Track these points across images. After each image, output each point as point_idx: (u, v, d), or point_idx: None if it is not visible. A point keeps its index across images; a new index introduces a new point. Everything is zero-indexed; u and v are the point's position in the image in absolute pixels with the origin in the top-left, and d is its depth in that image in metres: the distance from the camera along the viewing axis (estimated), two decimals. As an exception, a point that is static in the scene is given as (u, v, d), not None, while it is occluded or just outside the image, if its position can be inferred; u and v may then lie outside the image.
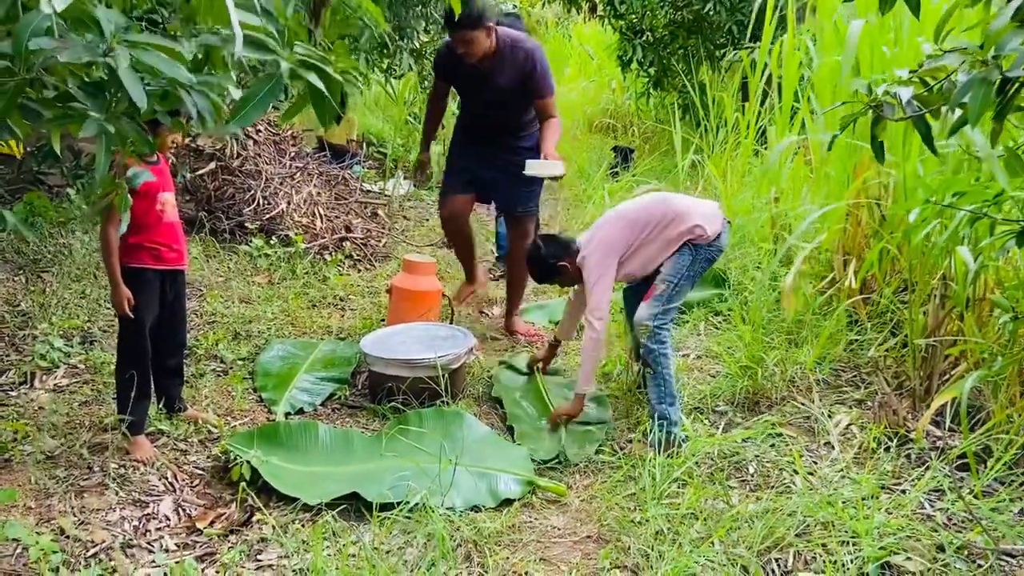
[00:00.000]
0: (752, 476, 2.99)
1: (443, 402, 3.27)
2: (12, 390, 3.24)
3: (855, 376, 3.67)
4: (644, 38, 8.57)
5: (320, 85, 1.91)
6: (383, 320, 4.24)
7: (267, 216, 5.12)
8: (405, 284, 4.02)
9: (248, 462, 2.65)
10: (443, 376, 3.27)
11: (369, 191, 7.21)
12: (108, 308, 3.95)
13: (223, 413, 3.20)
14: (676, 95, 8.77)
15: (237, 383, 3.36)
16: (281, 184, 5.37)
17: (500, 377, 3.62)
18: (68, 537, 2.34)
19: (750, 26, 6.96)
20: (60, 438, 2.89)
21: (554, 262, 3.27)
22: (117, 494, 2.60)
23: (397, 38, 7.71)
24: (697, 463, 2.96)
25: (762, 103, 6.04)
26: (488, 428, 3.13)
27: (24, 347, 3.55)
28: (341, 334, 4.17)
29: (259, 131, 5.66)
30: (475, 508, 2.65)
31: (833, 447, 3.18)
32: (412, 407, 3.26)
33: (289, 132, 6.03)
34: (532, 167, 3.69)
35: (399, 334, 3.61)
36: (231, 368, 3.58)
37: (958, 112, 1.88)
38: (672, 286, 3.14)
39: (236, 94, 1.92)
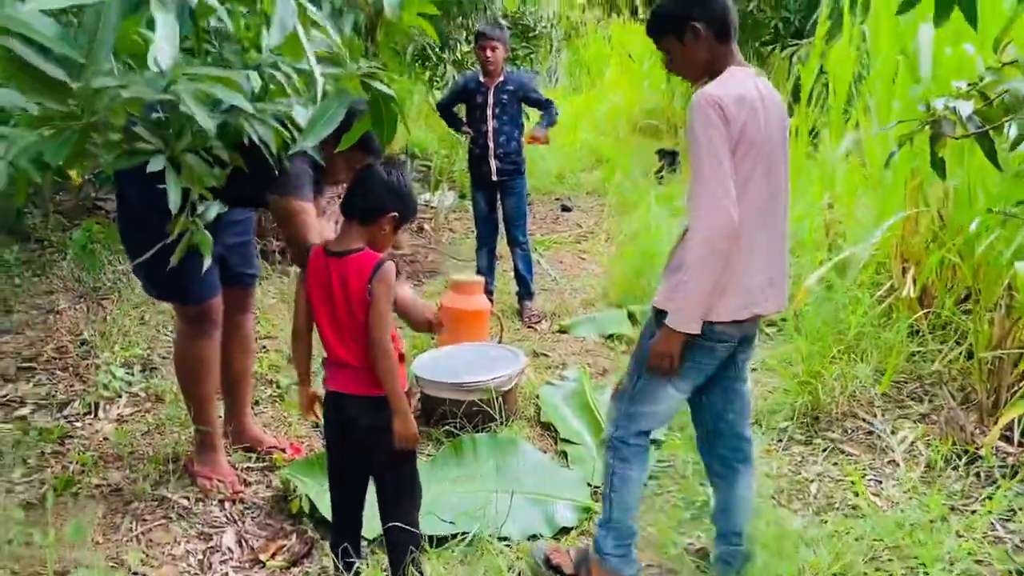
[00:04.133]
0: (815, 497, 2.93)
1: (497, 425, 3.28)
2: (77, 421, 3.33)
3: (918, 389, 3.57)
4: (687, 39, 8.45)
5: (390, 92, 1.93)
6: (434, 339, 4.26)
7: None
8: (454, 304, 4.02)
9: (307, 495, 2.67)
10: (496, 398, 3.27)
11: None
12: (167, 335, 4.04)
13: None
14: (721, 95, 8.64)
15: (293, 409, 3.40)
16: (328, 203, 5.42)
17: (547, 399, 3.59)
18: (136, 574, 2.39)
19: (800, 23, 6.82)
20: (125, 469, 2.96)
21: (684, 16, 2.18)
22: (181, 527, 2.65)
23: (439, 49, 7.75)
24: (757, 483, 2.90)
25: (809, 102, 5.92)
26: (542, 454, 3.12)
27: (88, 377, 3.65)
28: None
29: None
30: (532, 537, 2.64)
31: (898, 465, 3.09)
32: (466, 430, 3.26)
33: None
34: None
35: (451, 356, 3.62)
36: (287, 393, 3.63)
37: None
38: (635, 380, 2.29)
39: (301, 118, 1.94)
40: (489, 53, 4.55)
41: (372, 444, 2.27)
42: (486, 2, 7.02)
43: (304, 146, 1.89)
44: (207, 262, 2.11)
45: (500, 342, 4.21)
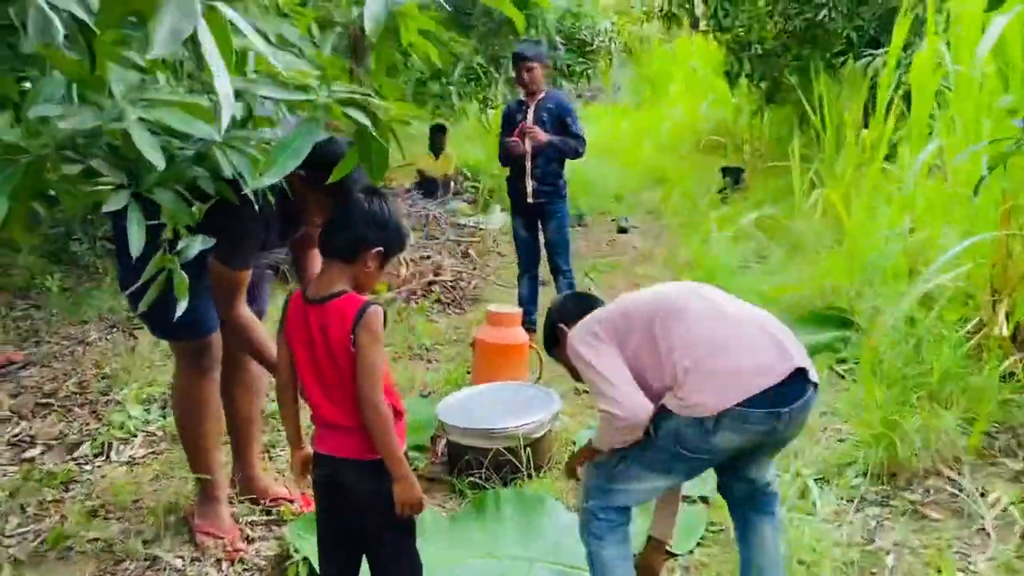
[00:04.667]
0: (891, 572, 2.52)
1: (524, 477, 2.97)
2: (87, 463, 3.15)
3: (1012, 443, 3.11)
4: (752, 51, 8.04)
5: (366, 122, 1.66)
6: (469, 372, 3.99)
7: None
8: (489, 338, 3.74)
9: (307, 558, 2.41)
10: (524, 449, 2.96)
11: (464, 226, 7.03)
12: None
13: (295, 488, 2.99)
14: (792, 109, 8.17)
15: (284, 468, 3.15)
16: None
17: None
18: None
19: (875, 31, 6.35)
20: (125, 521, 2.76)
21: (555, 323, 2.31)
22: (172, 590, 2.42)
23: (492, 69, 7.55)
24: (822, 552, 2.52)
25: (885, 117, 5.45)
26: (573, 515, 2.78)
27: (104, 415, 3.48)
28: (425, 390, 3.94)
29: (348, 174, 5.55)
30: (556, 616, 2.32)
31: (989, 535, 2.66)
32: (493, 482, 2.97)
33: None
34: None
35: (480, 397, 3.32)
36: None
37: None
38: (619, 459, 2.11)
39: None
40: (526, 74, 4.28)
41: (368, 512, 2.00)
42: (538, 20, 6.77)
43: (262, 183, 1.64)
44: (181, 306, 1.87)
45: (539, 379, 3.91)
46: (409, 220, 5.76)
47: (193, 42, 1.06)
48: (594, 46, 8.60)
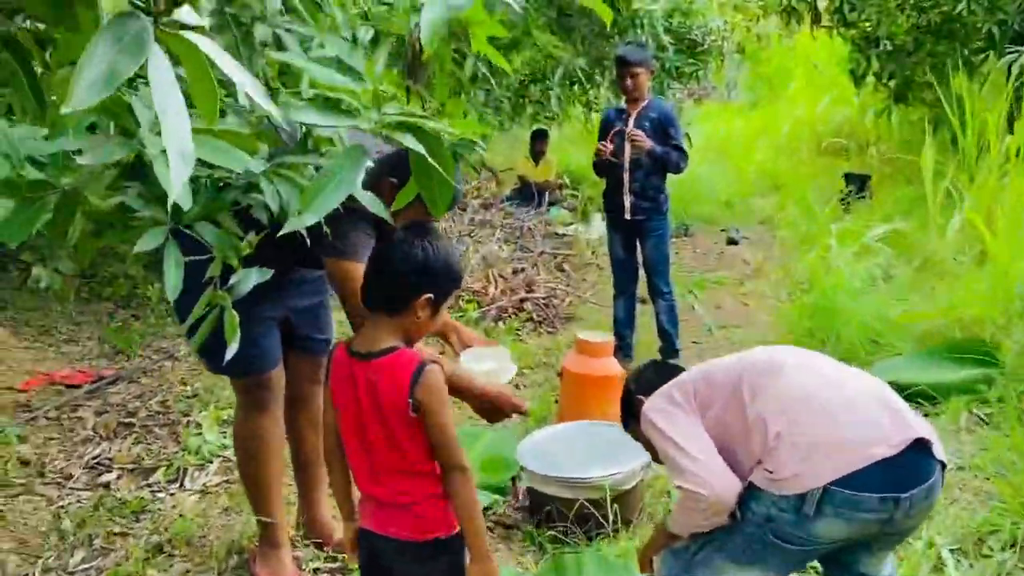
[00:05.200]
0: None
1: (610, 534, 2.68)
2: (160, 491, 3.07)
3: None
4: (881, 47, 7.39)
5: (419, 148, 1.44)
6: (557, 402, 3.73)
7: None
8: (578, 368, 3.46)
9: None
10: (611, 503, 2.67)
11: (562, 235, 6.78)
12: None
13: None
14: (925, 110, 7.48)
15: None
16: (458, 242, 5.04)
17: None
18: None
19: (1021, 25, 5.68)
20: (187, 559, 2.64)
21: (632, 394, 2.03)
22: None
23: (595, 71, 7.24)
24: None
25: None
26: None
27: (183, 436, 3.42)
28: (508, 421, 3.69)
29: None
30: None
31: None
32: (576, 536, 2.70)
33: (474, 183, 5.72)
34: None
35: (565, 438, 3.05)
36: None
37: None
38: (700, 547, 1.83)
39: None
40: (629, 81, 3.96)
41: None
42: (644, 19, 6.41)
43: (300, 224, 1.43)
44: (231, 349, 1.69)
45: (634, 412, 3.60)
46: (502, 231, 5.55)
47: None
48: (705, 46, 8.12)
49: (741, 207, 8.21)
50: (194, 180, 1.59)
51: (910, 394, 3.58)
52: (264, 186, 1.61)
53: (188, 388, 3.79)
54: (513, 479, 3.12)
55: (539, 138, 8.41)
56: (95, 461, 3.23)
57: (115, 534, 2.75)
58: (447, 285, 1.69)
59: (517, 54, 6.86)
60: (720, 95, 16.49)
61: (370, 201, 1.57)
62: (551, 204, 7.56)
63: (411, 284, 1.64)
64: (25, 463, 3.17)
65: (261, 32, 1.70)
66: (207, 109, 1.04)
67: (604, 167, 4.15)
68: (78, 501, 2.96)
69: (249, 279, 1.72)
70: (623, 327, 4.30)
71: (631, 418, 2.04)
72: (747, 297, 5.54)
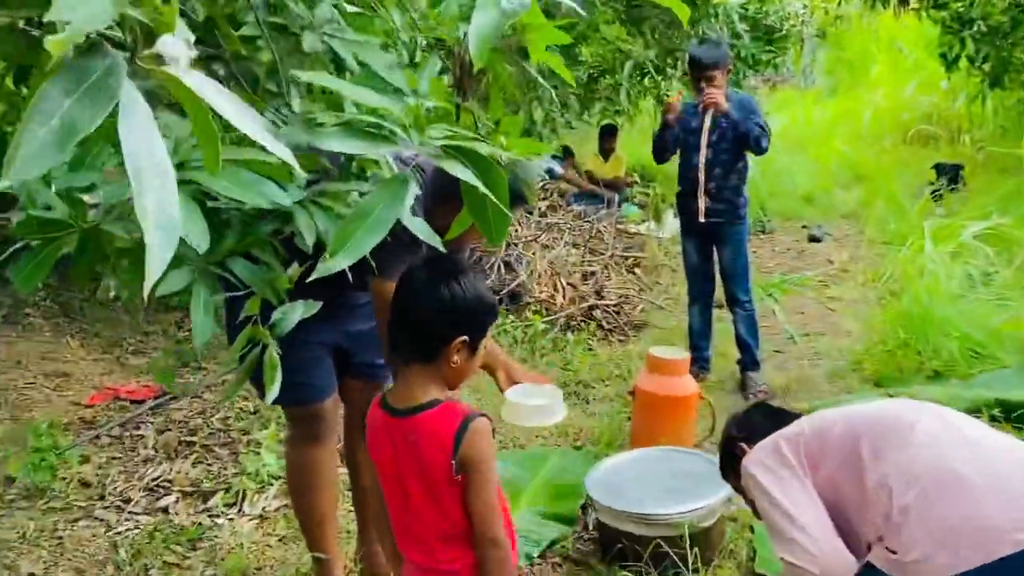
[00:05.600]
0: None
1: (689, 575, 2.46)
2: (219, 516, 2.99)
3: None
4: (975, 28, 6.89)
5: (469, 176, 1.27)
6: (630, 419, 3.51)
7: (506, 289, 4.63)
8: (650, 387, 3.24)
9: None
10: (689, 543, 2.45)
11: (634, 234, 6.53)
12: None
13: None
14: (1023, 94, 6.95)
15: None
16: (526, 248, 4.86)
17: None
18: None
19: None
20: (243, 594, 2.55)
21: (734, 441, 1.88)
22: None
23: (666, 64, 6.95)
24: None
25: None
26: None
27: (243, 456, 3.34)
28: (579, 439, 3.50)
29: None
30: None
31: None
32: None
33: (542, 183, 5.53)
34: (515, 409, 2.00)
35: (637, 466, 2.84)
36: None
37: None
38: None
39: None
40: (704, 85, 3.69)
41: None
42: (717, 8, 6.10)
43: (330, 269, 1.27)
44: (273, 390, 1.55)
45: (712, 432, 3.35)
46: (571, 234, 5.34)
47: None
48: (783, 31, 7.73)
49: (823, 201, 7.79)
50: (223, 211, 1.45)
51: (1020, 415, 3.25)
52: (299, 217, 1.46)
53: (249, 404, 3.71)
54: (583, 507, 2.93)
55: (608, 134, 8.14)
56: (155, 483, 3.17)
57: (170, 564, 2.67)
58: (482, 322, 1.51)
59: (586, 47, 6.64)
60: (798, 81, 15.86)
61: (421, 228, 1.40)
62: (620, 202, 7.31)
63: (441, 329, 1.47)
64: (86, 485, 3.14)
65: (310, 42, 1.55)
66: (208, 157, 0.88)
67: (663, 144, 3.89)
68: (136, 527, 2.90)
69: (294, 314, 1.57)
70: (699, 338, 4.05)
71: (730, 466, 1.82)
72: (832, 300, 5.20)
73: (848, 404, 3.62)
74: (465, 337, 1.47)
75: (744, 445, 1.75)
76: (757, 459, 1.63)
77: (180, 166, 1.23)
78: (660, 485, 2.70)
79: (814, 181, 8.23)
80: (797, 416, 1.82)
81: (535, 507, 2.92)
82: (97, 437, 3.51)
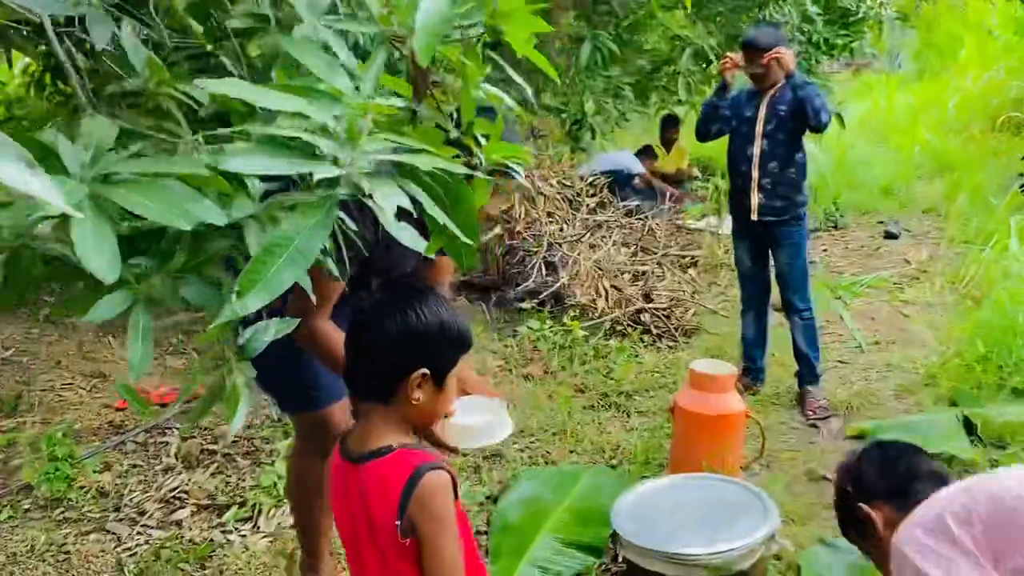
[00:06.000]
0: None
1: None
2: (231, 531, 2.87)
3: None
4: (1075, 4, 6.29)
5: (419, 197, 1.08)
6: (671, 436, 3.25)
7: (547, 291, 4.40)
8: (691, 405, 2.97)
9: None
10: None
11: (692, 231, 6.21)
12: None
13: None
14: None
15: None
16: (570, 248, 4.61)
17: (814, 573, 2.42)
18: None
19: None
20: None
21: (852, 497, 1.60)
22: None
23: (729, 51, 6.57)
24: None
25: None
26: None
27: (264, 464, 3.22)
28: (615, 457, 3.26)
29: (552, 183, 4.98)
30: None
31: None
32: (680, 620, 2.25)
33: (588, 180, 5.28)
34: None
35: (672, 495, 2.58)
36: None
37: None
38: None
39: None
40: (760, 70, 3.38)
41: None
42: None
43: (238, 312, 1.07)
44: (234, 424, 1.38)
45: (761, 454, 3.08)
46: (621, 232, 5.06)
47: None
48: (859, 14, 7.23)
49: (903, 194, 7.28)
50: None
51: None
52: (249, 233, 1.27)
53: (274, 411, 3.59)
54: (613, 536, 2.69)
55: (670, 125, 7.81)
56: (172, 495, 3.07)
57: (175, 584, 2.56)
58: (447, 353, 1.29)
59: (646, 35, 6.33)
60: (882, 65, 15.06)
61: (409, 239, 1.19)
62: (679, 198, 6.99)
63: (397, 361, 1.27)
64: (104, 494, 3.06)
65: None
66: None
67: (716, 115, 3.58)
68: (147, 541, 2.80)
69: (265, 335, 1.40)
70: (753, 348, 3.75)
71: (854, 529, 1.58)
72: (906, 304, 4.78)
73: (918, 424, 3.29)
74: (425, 370, 1.27)
75: (866, 507, 1.48)
76: (913, 538, 1.32)
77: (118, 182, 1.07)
78: (696, 517, 2.44)
79: (894, 172, 7.71)
80: (926, 458, 1.51)
81: (559, 534, 2.70)
82: (123, 443, 3.45)
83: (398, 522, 1.24)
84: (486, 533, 2.78)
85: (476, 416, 1.73)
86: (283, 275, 1.00)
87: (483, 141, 1.36)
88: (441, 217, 1.11)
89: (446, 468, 1.28)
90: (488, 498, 2.95)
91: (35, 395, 3.85)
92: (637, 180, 7.14)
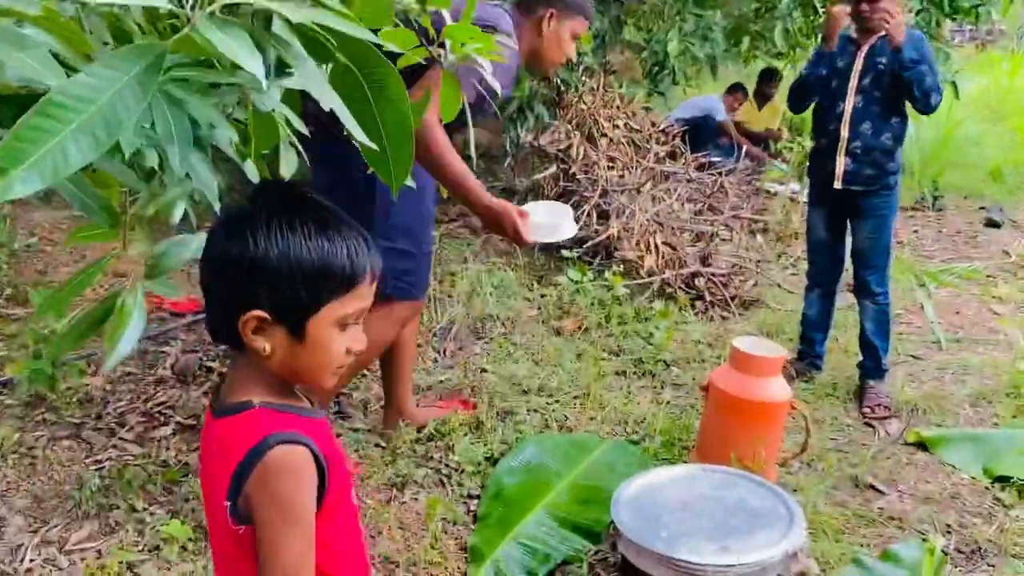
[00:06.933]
0: None
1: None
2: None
3: None
4: None
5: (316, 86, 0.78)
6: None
7: (593, 240, 4.04)
8: (727, 386, 2.60)
9: None
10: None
11: (772, 194, 5.73)
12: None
13: (402, 563, 2.21)
14: None
15: (434, 510, 2.33)
16: (628, 198, 4.22)
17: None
18: None
19: None
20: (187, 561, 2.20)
21: None
22: None
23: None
24: None
25: None
26: None
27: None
28: (638, 431, 2.93)
29: (619, 124, 4.56)
30: None
31: None
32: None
33: (660, 127, 4.83)
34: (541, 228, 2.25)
35: (686, 487, 2.25)
36: (449, 479, 2.58)
37: None
38: None
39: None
40: (865, 5, 2.89)
41: None
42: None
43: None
44: (121, 347, 1.11)
45: (803, 451, 2.70)
46: (688, 186, 4.62)
47: None
48: (994, -31, 6.44)
49: (1011, 179, 6.57)
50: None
51: None
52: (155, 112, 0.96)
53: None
54: (612, 524, 2.38)
55: (768, 79, 7.22)
56: (158, 409, 2.89)
57: (134, 511, 2.36)
58: (299, 293, 0.96)
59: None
60: (1009, 41, 13.89)
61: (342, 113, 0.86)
62: (757, 158, 6.47)
63: (221, 297, 0.98)
64: (89, 400, 2.90)
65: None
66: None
67: (816, 78, 3.11)
68: (119, 456, 2.62)
69: (184, 251, 1.12)
70: (814, 330, 3.33)
71: None
72: (998, 302, 4.25)
73: (991, 439, 2.86)
74: (260, 312, 0.96)
75: None
76: None
77: None
78: (708, 519, 2.10)
79: (1004, 155, 6.97)
80: None
81: (556, 510, 2.40)
82: (123, 348, 3.29)
83: (227, 503, 0.95)
84: (478, 497, 2.50)
85: (547, 216, 2.25)
86: (70, 151, 0.69)
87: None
88: (345, 114, 0.79)
89: (313, 448, 0.97)
90: (488, 459, 2.66)
91: (52, 287, 3.72)
92: (719, 130, 6.65)
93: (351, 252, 0.97)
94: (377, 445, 2.69)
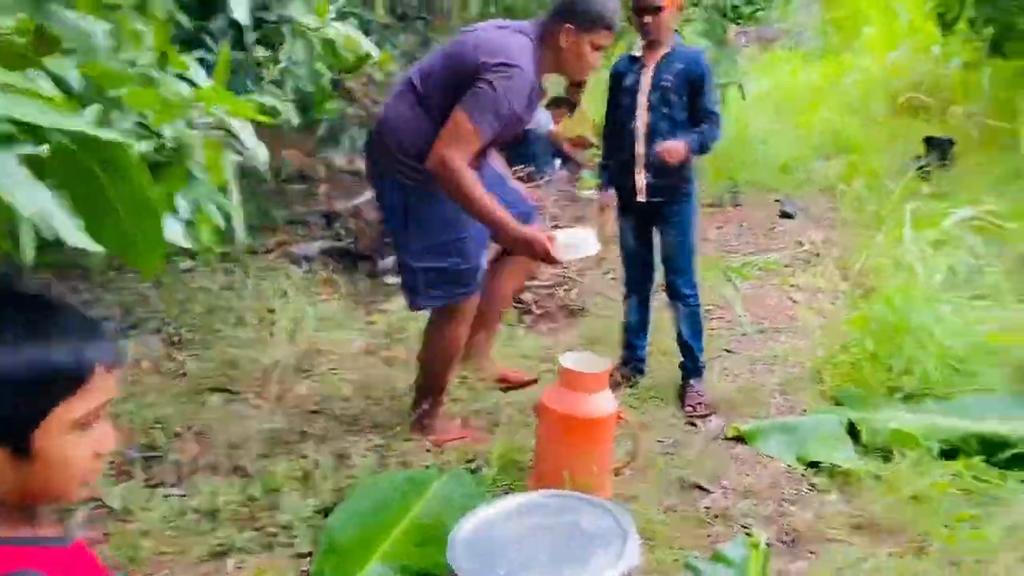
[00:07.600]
0: None
1: None
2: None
3: None
4: (980, -12, 6.21)
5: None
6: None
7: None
8: (559, 405, 2.62)
9: None
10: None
11: (588, 201, 5.88)
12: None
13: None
14: (1024, 65, 6.31)
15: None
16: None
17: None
18: None
19: None
20: None
21: None
22: None
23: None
24: None
25: None
26: None
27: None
28: (476, 459, 2.88)
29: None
30: None
31: None
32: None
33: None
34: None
35: (523, 520, 2.22)
36: (276, 538, 2.42)
37: None
38: None
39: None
40: (648, 18, 3.02)
41: None
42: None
43: None
44: None
45: (633, 459, 2.76)
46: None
47: None
48: (767, -18, 7.02)
49: (800, 173, 7.15)
50: None
51: (1007, 458, 2.69)
52: None
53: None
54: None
55: (573, 87, 7.41)
56: None
57: None
58: (12, 404, 0.84)
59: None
60: (790, 40, 15.10)
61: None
62: (562, 165, 6.65)
63: None
64: None
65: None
66: None
67: (616, 137, 3.25)
68: None
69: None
70: (635, 335, 3.44)
71: None
72: (796, 290, 4.59)
73: (800, 427, 3.06)
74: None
75: None
76: None
77: None
78: (546, 549, 2.09)
79: (792, 150, 7.58)
80: None
81: (393, 559, 2.31)
82: None
83: None
84: (311, 555, 2.37)
85: (570, 238, 2.62)
86: None
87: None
88: (46, 206, 0.68)
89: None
90: (319, 511, 2.52)
91: None
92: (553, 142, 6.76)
93: (74, 346, 0.86)
94: (195, 510, 2.49)
